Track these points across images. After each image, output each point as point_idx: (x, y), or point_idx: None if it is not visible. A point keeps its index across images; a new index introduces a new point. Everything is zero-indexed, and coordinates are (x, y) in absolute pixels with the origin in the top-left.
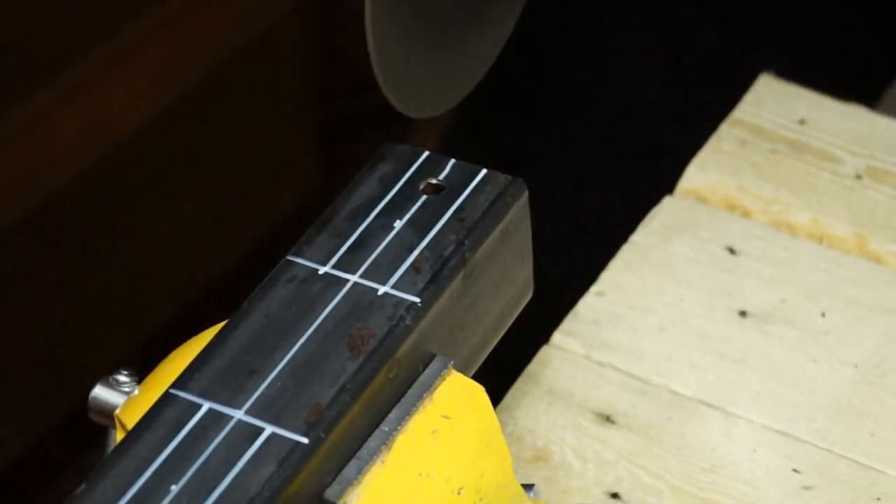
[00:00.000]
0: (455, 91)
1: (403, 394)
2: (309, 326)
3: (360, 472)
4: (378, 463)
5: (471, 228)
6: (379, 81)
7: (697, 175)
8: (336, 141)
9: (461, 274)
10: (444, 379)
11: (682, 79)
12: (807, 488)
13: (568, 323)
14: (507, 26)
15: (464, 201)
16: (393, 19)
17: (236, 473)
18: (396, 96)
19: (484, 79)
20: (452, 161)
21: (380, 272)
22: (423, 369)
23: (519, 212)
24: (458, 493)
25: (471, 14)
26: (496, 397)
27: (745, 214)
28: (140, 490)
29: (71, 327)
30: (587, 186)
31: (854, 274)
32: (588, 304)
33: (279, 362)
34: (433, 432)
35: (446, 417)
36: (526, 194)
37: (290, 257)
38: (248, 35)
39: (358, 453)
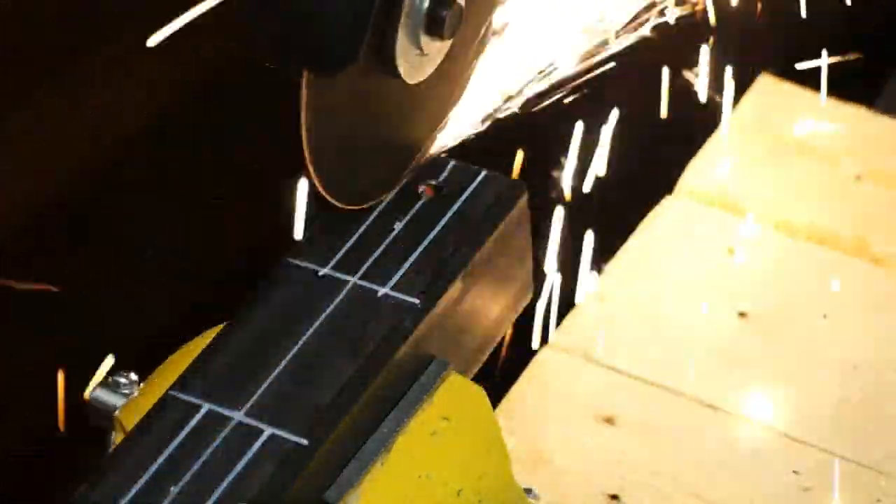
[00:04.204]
0: (396, 177)
1: (403, 395)
2: (308, 328)
3: (360, 473)
4: (377, 465)
5: (470, 230)
6: (316, 181)
7: (697, 176)
8: None
9: (461, 275)
10: (443, 380)
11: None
12: (806, 490)
13: (568, 324)
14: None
15: (463, 203)
16: (330, 124)
17: (236, 475)
18: (335, 193)
19: None
20: (452, 162)
21: (379, 274)
22: (423, 371)
23: (519, 213)
24: (458, 495)
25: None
26: (496, 399)
27: (745, 215)
28: (139, 491)
29: (71, 327)
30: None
31: (854, 275)
32: (588, 305)
33: (279, 364)
34: (433, 434)
35: (446, 419)
36: (526, 196)
37: (289, 258)
38: None
39: (357, 455)
